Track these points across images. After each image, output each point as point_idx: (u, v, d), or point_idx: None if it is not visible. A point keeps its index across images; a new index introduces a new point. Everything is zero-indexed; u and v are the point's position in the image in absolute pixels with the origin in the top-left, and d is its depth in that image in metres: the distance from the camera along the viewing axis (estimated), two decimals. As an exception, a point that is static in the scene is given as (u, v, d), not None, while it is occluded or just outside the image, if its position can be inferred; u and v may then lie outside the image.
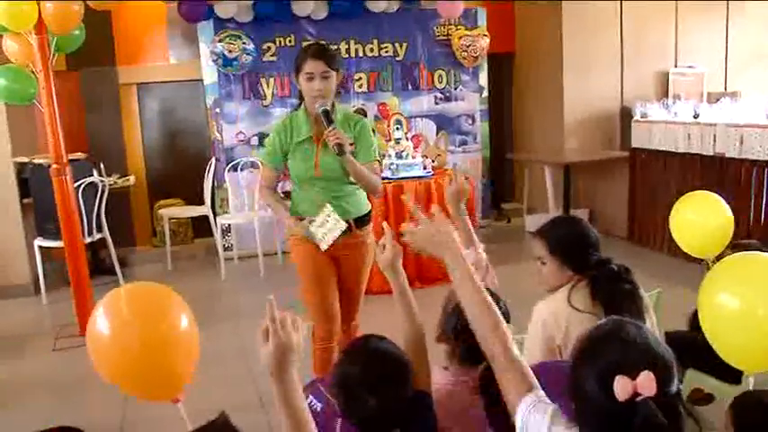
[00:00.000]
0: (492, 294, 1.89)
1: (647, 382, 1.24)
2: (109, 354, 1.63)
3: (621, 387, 1.24)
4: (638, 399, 1.24)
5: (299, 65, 3.02)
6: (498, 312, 1.61)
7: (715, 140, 5.55)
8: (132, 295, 1.73)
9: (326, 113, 2.97)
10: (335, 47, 6.89)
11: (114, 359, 1.63)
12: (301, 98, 3.11)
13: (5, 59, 4.77)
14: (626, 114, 7.06)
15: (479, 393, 1.91)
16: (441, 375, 2.05)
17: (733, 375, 2.33)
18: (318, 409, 1.91)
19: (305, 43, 6.75)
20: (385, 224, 2.24)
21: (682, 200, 3.24)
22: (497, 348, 1.54)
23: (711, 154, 5.60)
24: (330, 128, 2.93)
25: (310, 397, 1.93)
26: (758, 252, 2.20)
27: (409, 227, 1.82)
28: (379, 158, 3.20)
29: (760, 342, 1.86)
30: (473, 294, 1.63)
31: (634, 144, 6.55)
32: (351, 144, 3.06)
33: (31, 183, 5.72)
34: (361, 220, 3.20)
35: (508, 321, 2.01)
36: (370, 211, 3.27)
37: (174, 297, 1.78)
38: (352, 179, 3.10)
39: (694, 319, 3.08)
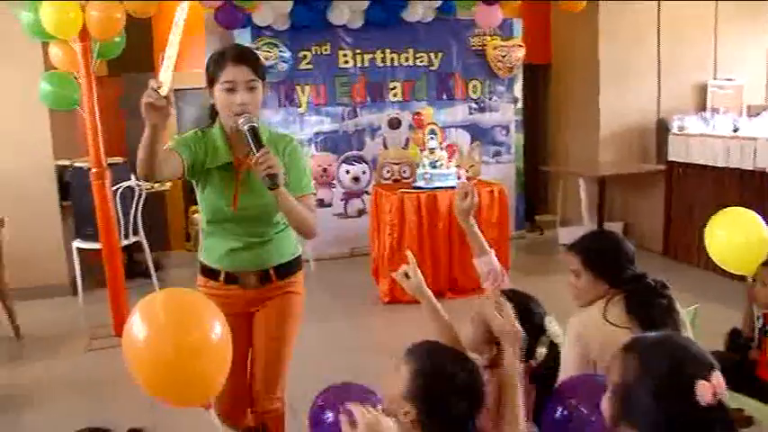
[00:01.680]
0: (531, 299, 1.94)
1: (720, 382, 1.25)
2: (143, 357, 1.65)
3: (703, 391, 1.24)
4: (714, 401, 1.25)
5: (213, 72, 2.33)
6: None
7: (755, 155, 5.46)
8: (168, 300, 1.75)
9: (254, 132, 2.22)
10: (370, 55, 6.94)
11: (148, 363, 1.65)
12: (214, 115, 2.44)
13: (50, 66, 4.89)
14: (663, 127, 6.98)
15: (534, 386, 1.93)
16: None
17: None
18: None
19: (341, 52, 6.84)
20: (408, 252, 2.29)
21: (716, 215, 3.19)
22: None
23: (751, 169, 5.51)
24: (260, 152, 2.15)
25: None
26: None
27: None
28: (314, 191, 2.50)
29: None
30: None
31: (671, 157, 6.47)
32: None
33: (71, 186, 5.84)
34: (286, 268, 2.54)
35: (541, 333, 2.00)
36: (298, 257, 2.61)
37: (208, 303, 1.80)
38: (277, 218, 2.46)
39: (731, 339, 3.03)
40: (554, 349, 1.95)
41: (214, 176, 2.40)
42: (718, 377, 1.25)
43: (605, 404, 1.38)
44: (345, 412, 1.54)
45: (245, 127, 2.23)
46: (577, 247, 2.41)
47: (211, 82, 2.35)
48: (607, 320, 2.19)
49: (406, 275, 2.18)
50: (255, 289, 2.50)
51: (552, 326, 1.96)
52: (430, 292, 2.18)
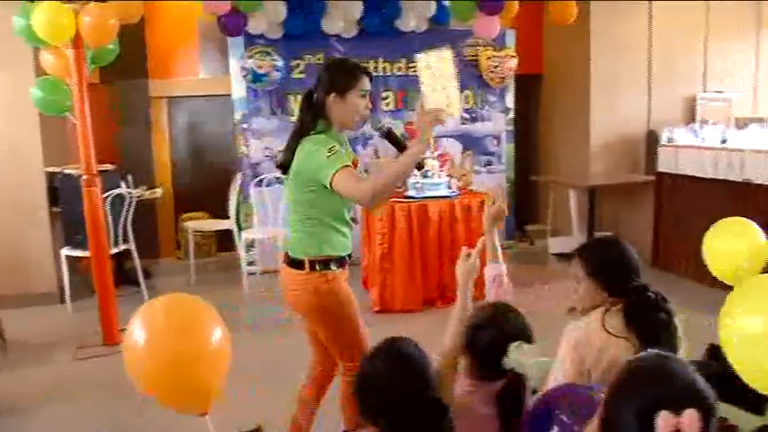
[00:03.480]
0: (511, 310, 1.95)
1: (692, 421, 1.19)
2: (142, 363, 1.65)
3: (664, 423, 1.19)
4: None
5: (349, 81, 2.72)
6: None
7: (743, 166, 5.50)
8: (170, 306, 1.75)
9: (390, 132, 2.82)
10: (364, 65, 6.93)
11: (148, 369, 1.65)
12: (316, 118, 2.75)
13: (42, 71, 4.88)
14: (652, 138, 7.03)
15: (496, 405, 1.93)
16: (459, 384, 2.07)
17: (756, 405, 2.29)
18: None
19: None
20: (464, 248, 2.40)
21: (716, 225, 3.20)
22: None
23: (739, 180, 5.55)
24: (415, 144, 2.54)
25: None
26: None
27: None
28: None
29: None
30: None
31: (660, 168, 6.51)
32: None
33: (60, 192, 5.81)
34: None
35: (529, 339, 2.03)
36: None
37: (210, 311, 1.81)
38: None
39: (712, 349, 3.04)
40: (515, 377, 1.94)
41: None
42: (691, 416, 1.19)
43: (595, 424, 1.37)
44: None
45: (386, 127, 2.80)
46: (583, 252, 2.41)
47: (348, 88, 2.70)
48: (606, 329, 2.19)
49: (468, 256, 2.29)
50: None
51: (516, 353, 1.93)
52: (471, 290, 2.27)
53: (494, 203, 2.51)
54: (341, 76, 2.74)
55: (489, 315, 2.05)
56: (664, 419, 1.20)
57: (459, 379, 2.09)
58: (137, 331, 1.64)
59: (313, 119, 2.72)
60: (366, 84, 2.75)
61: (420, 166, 2.71)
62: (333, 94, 2.71)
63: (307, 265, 2.73)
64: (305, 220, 2.74)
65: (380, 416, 1.75)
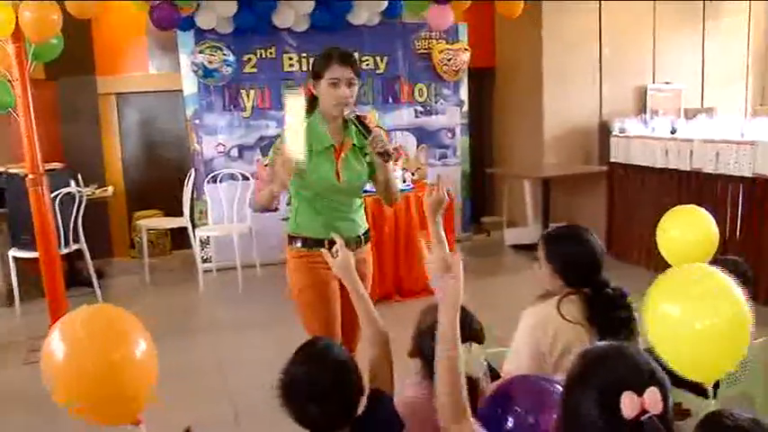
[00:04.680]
0: (464, 311, 1.91)
1: (655, 400, 1.22)
2: (63, 378, 1.61)
3: (629, 404, 1.22)
4: (644, 417, 1.22)
5: (320, 69, 2.78)
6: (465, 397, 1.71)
7: (692, 156, 5.62)
8: (90, 317, 1.72)
9: (361, 121, 2.79)
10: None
11: (69, 383, 1.61)
12: (312, 105, 2.88)
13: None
14: (604, 129, 7.14)
15: None
16: (416, 387, 2.04)
17: (702, 389, 2.33)
18: None
19: (286, 56, 6.79)
20: (333, 234, 2.48)
21: (669, 213, 3.25)
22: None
23: (688, 169, 5.67)
24: (372, 134, 2.73)
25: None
26: (703, 264, 2.19)
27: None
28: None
29: (705, 352, 1.84)
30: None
31: (612, 159, 6.61)
32: (367, 154, 2.89)
33: (6, 192, 5.64)
34: (365, 237, 3.01)
35: (481, 341, 2.01)
36: (368, 229, 3.08)
37: (129, 319, 1.77)
38: (358, 197, 2.97)
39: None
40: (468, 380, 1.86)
41: (319, 157, 2.79)
42: (653, 394, 1.23)
43: (557, 419, 1.37)
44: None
45: (352, 116, 2.77)
46: (546, 238, 2.43)
47: (318, 76, 2.77)
48: (561, 315, 2.21)
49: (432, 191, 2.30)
50: (353, 250, 2.76)
51: (468, 355, 1.87)
52: (356, 276, 2.23)
53: (430, 193, 2.48)
54: (315, 64, 2.83)
55: (435, 316, 2.02)
56: (628, 398, 1.22)
57: (410, 386, 2.05)
58: (55, 344, 1.61)
59: (309, 106, 2.86)
60: (336, 72, 2.74)
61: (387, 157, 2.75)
62: (312, 82, 2.84)
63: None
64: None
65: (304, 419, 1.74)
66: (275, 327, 4.88)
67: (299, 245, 2.85)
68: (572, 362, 1.40)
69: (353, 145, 2.87)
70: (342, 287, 2.77)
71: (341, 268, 2.24)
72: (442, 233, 2.47)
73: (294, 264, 2.88)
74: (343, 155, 2.84)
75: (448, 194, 2.52)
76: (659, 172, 6.01)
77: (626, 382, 1.25)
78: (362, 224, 2.99)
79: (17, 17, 4.19)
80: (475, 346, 1.93)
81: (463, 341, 1.84)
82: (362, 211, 3.01)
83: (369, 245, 3.03)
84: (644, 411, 1.22)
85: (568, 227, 2.61)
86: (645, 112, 7.15)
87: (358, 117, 2.79)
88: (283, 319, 5.22)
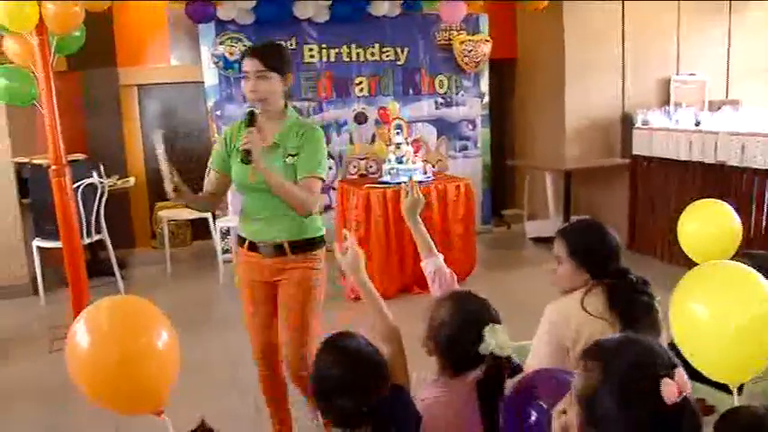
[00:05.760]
0: (470, 296, 1.93)
1: (682, 379, 1.23)
2: (87, 366, 1.62)
3: (668, 390, 1.22)
4: (679, 399, 1.23)
5: (241, 65, 2.79)
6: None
7: (716, 149, 5.54)
8: (113, 308, 1.73)
9: (251, 115, 2.69)
10: (336, 50, 6.89)
11: (92, 371, 1.63)
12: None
13: (6, 60, 4.76)
14: (627, 121, 7.05)
15: (477, 397, 1.90)
16: (432, 387, 2.03)
17: (724, 384, 2.31)
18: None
19: (306, 47, 6.79)
20: (345, 231, 2.40)
21: (690, 208, 3.22)
22: None
23: (713, 162, 5.59)
24: (246, 131, 2.62)
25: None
26: (731, 262, 2.16)
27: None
28: (322, 176, 2.75)
29: (734, 354, 1.80)
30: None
31: (635, 151, 6.54)
32: (292, 155, 2.71)
33: (30, 183, 5.71)
34: (302, 245, 2.78)
35: (497, 321, 2.00)
36: (318, 237, 2.85)
37: (153, 310, 1.79)
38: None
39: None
40: (494, 360, 1.89)
41: (237, 155, 2.69)
42: (681, 375, 1.24)
43: (570, 413, 1.36)
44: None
45: (246, 111, 2.71)
46: (565, 233, 2.41)
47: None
48: (585, 310, 2.19)
49: (407, 193, 2.29)
50: (272, 259, 2.78)
51: (497, 336, 1.88)
52: (365, 274, 2.20)
53: (407, 195, 2.46)
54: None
55: (450, 307, 2.00)
56: (668, 386, 1.22)
57: (426, 386, 2.04)
58: (80, 333, 1.62)
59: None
60: (246, 65, 2.71)
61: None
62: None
63: None
64: None
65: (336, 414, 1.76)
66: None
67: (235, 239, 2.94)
68: (582, 360, 1.37)
69: (275, 143, 2.73)
70: (277, 292, 2.84)
71: (349, 267, 2.19)
72: (426, 233, 2.45)
73: (238, 261, 2.98)
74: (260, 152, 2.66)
75: (425, 195, 2.50)
76: (683, 165, 5.93)
77: (657, 369, 1.25)
78: (298, 230, 2.76)
79: (40, 10, 4.22)
80: (498, 326, 1.91)
81: (485, 325, 1.88)
82: (301, 218, 2.75)
83: (310, 255, 2.82)
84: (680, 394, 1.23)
85: (581, 220, 2.62)
86: (668, 104, 7.06)
87: (251, 113, 2.70)
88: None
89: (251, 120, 2.67)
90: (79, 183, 5.35)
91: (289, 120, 2.80)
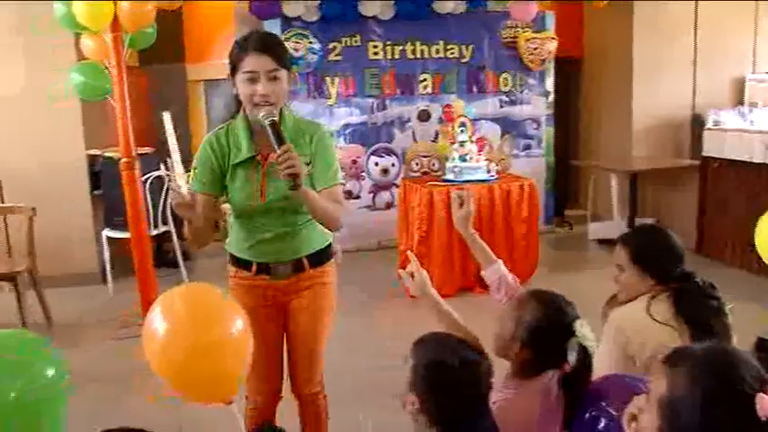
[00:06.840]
0: (553, 295, 1.97)
1: None
2: (164, 354, 1.66)
3: (764, 405, 1.18)
4: None
5: (234, 62, 2.26)
6: None
7: (793, 151, 5.32)
8: (188, 296, 1.76)
9: (275, 128, 2.16)
10: (401, 48, 6.89)
11: (169, 360, 1.66)
12: (239, 105, 2.37)
13: (81, 57, 4.93)
14: (698, 122, 6.84)
15: (563, 391, 1.89)
16: (504, 390, 2.01)
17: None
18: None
19: (371, 44, 6.80)
20: (410, 253, 2.33)
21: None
22: None
23: (789, 165, 5.37)
24: (281, 149, 2.09)
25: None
26: None
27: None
28: (342, 181, 2.42)
29: None
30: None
31: (705, 153, 6.33)
32: (306, 164, 2.29)
33: (101, 175, 5.90)
34: (318, 257, 2.49)
35: (570, 336, 1.96)
36: (329, 245, 2.55)
37: (226, 299, 1.82)
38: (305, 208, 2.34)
39: (760, 341, 2.96)
40: (585, 354, 1.87)
41: (240, 172, 2.36)
42: None
43: (642, 419, 1.32)
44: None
45: (267, 122, 2.16)
46: (626, 240, 2.36)
47: (234, 70, 2.27)
48: (651, 317, 2.14)
49: (412, 276, 2.14)
50: (287, 279, 2.45)
51: (584, 329, 1.88)
52: (434, 292, 2.15)
53: (461, 206, 2.34)
54: (231, 53, 2.29)
55: (535, 306, 1.97)
56: (763, 401, 1.18)
57: (497, 389, 2.00)
58: (156, 321, 1.65)
59: (237, 105, 2.40)
60: (251, 63, 2.21)
61: None
62: (229, 76, 2.33)
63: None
64: None
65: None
66: (354, 314, 4.90)
67: (228, 260, 2.56)
68: (665, 366, 1.32)
69: None
70: (287, 314, 2.54)
71: (418, 290, 2.15)
72: (482, 242, 2.37)
73: (230, 282, 2.56)
74: (268, 166, 2.32)
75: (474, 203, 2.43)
76: (757, 167, 5.70)
77: (748, 383, 1.21)
78: (307, 245, 2.45)
79: (116, 9, 4.37)
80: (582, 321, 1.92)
81: (573, 320, 1.91)
82: (313, 227, 2.43)
83: (324, 268, 2.52)
84: None
85: (642, 225, 2.56)
86: (743, 104, 6.81)
87: (274, 124, 2.17)
88: (362, 306, 5.28)
89: (279, 134, 2.15)
90: (148, 175, 5.49)
91: (288, 120, 2.40)
